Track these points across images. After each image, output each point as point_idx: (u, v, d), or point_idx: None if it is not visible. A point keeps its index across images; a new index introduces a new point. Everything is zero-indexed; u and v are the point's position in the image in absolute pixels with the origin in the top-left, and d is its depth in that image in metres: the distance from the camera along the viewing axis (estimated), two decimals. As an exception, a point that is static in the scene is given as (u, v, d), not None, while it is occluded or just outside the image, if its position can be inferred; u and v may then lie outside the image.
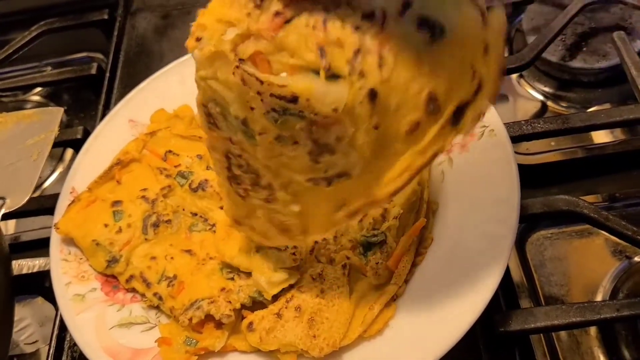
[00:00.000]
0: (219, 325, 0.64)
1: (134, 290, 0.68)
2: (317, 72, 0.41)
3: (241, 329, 0.65)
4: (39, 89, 1.18)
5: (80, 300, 0.67)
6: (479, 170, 0.68)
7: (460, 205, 0.67)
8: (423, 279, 0.65)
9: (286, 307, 0.62)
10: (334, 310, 0.62)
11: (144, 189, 0.74)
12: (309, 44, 0.40)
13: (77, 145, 0.89)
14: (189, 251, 0.70)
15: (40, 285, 0.84)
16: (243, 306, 0.65)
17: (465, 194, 0.68)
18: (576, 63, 0.92)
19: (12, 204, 0.68)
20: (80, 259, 0.70)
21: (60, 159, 1.10)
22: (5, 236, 0.98)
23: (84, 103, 1.15)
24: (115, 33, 1.07)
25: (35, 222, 1.00)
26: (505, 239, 0.61)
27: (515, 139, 0.78)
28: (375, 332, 0.61)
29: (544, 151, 0.86)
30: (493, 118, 0.71)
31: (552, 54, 0.93)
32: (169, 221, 0.72)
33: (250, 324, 0.61)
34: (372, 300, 0.63)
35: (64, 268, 0.69)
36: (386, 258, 0.65)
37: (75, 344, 0.73)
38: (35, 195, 1.02)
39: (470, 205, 0.67)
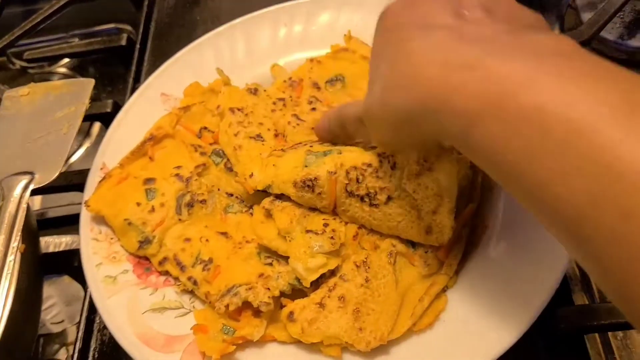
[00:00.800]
0: (257, 313, 0.60)
1: (167, 273, 0.65)
2: None
3: (280, 318, 0.61)
4: (65, 61, 1.14)
5: (112, 282, 0.64)
6: None
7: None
8: (477, 270, 0.60)
9: (329, 297, 0.58)
10: (380, 301, 0.58)
11: (178, 167, 0.70)
12: None
13: (106, 119, 0.85)
14: (224, 234, 0.66)
15: (67, 264, 0.82)
16: (282, 294, 0.61)
17: None
18: (635, 42, 0.86)
19: (41, 180, 0.65)
20: (112, 238, 0.67)
21: (87, 133, 1.07)
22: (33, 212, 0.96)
23: (112, 76, 1.12)
24: (146, 2, 1.02)
25: (62, 198, 0.98)
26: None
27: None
28: (426, 325, 0.57)
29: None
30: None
31: (609, 32, 0.87)
32: (203, 201, 0.68)
33: (291, 313, 0.57)
34: (420, 291, 0.59)
35: (95, 248, 0.66)
36: (435, 247, 0.61)
37: (104, 327, 0.70)
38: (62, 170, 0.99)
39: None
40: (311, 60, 0.76)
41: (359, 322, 0.56)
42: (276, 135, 0.71)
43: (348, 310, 0.57)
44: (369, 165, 0.60)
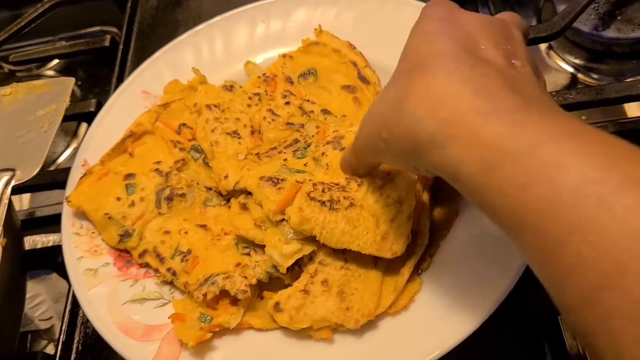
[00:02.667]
0: (235, 301, 0.61)
1: (147, 265, 0.66)
2: None
3: (257, 306, 0.63)
4: (52, 63, 1.16)
5: (93, 275, 0.65)
6: None
7: None
8: (448, 254, 0.62)
9: (312, 283, 0.59)
10: (361, 280, 0.59)
11: (158, 162, 0.71)
12: None
13: (90, 118, 0.86)
14: (203, 226, 0.67)
15: (54, 261, 0.83)
16: (260, 283, 0.62)
17: None
18: (609, 33, 0.88)
19: (22, 176, 0.66)
20: (93, 233, 0.68)
21: (75, 134, 1.09)
22: (20, 211, 0.98)
23: (98, 78, 1.13)
24: (129, 4, 1.04)
25: (49, 198, 0.99)
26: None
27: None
28: (401, 307, 0.58)
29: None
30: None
31: (584, 24, 0.89)
32: (183, 195, 0.69)
33: (277, 304, 0.58)
34: (399, 266, 0.60)
35: (76, 242, 0.67)
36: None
37: (88, 320, 0.71)
38: (49, 169, 1.00)
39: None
40: (284, 55, 0.77)
41: (345, 302, 0.58)
42: (252, 133, 0.72)
43: (333, 293, 0.59)
44: (337, 184, 0.61)
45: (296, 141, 0.70)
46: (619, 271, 0.28)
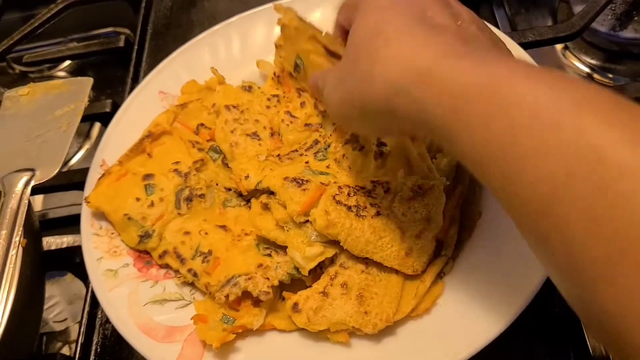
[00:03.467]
0: (257, 302, 0.61)
1: (167, 266, 0.66)
2: None
3: (279, 307, 0.62)
4: (65, 64, 1.16)
5: (113, 275, 0.65)
6: None
7: None
8: (472, 256, 0.61)
9: (331, 285, 0.59)
10: (382, 284, 0.59)
11: (176, 162, 0.71)
12: None
13: (105, 119, 0.86)
14: (223, 227, 0.67)
15: (69, 261, 0.83)
16: (281, 283, 0.62)
17: None
18: (627, 33, 0.87)
19: (42, 176, 0.66)
20: (112, 233, 0.68)
21: (87, 135, 1.08)
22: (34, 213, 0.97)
23: (111, 79, 1.13)
24: (143, 5, 1.04)
25: (62, 199, 0.99)
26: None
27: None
28: (423, 310, 0.58)
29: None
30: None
31: (601, 24, 0.89)
32: (202, 195, 0.69)
33: (295, 304, 0.58)
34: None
35: (96, 243, 0.67)
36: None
37: (107, 321, 0.71)
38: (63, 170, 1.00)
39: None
40: (276, 46, 0.74)
41: (363, 306, 0.57)
42: (272, 135, 0.72)
43: (352, 296, 0.58)
44: (362, 187, 0.61)
45: (316, 142, 0.69)
46: (568, 182, 0.31)
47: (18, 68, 1.17)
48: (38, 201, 1.01)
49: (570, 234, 0.32)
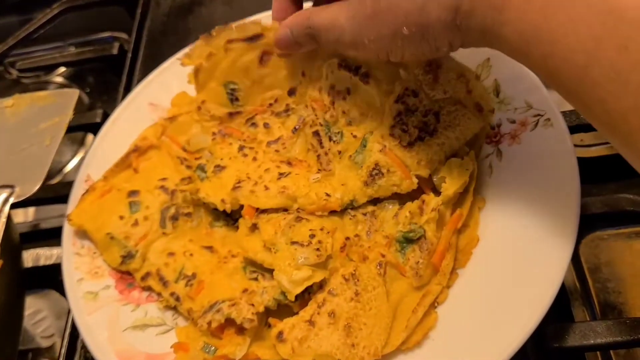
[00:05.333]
0: (241, 330, 0.58)
1: (150, 288, 0.63)
2: None
3: (265, 335, 0.59)
4: (60, 70, 1.14)
5: (93, 298, 0.62)
6: (533, 164, 0.60)
7: (512, 204, 0.60)
8: (467, 285, 0.58)
9: (318, 313, 0.56)
10: (371, 314, 0.56)
11: (163, 179, 0.68)
12: None
13: (96, 129, 0.83)
14: (209, 248, 0.64)
15: (56, 279, 0.80)
16: (268, 310, 0.59)
17: (517, 191, 0.60)
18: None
19: (22, 193, 0.64)
20: (94, 253, 0.66)
21: (82, 143, 1.06)
22: (24, 223, 0.95)
23: (108, 86, 1.11)
24: (139, 10, 1.01)
25: (54, 209, 0.97)
26: (564, 245, 0.53)
27: (571, 130, 0.70)
28: (414, 344, 0.55)
29: (601, 143, 0.78)
30: (547, 105, 0.63)
31: None
32: (189, 214, 0.66)
33: (280, 333, 0.55)
34: (413, 302, 0.56)
35: (77, 263, 0.65)
36: (427, 256, 0.58)
37: (88, 344, 0.68)
38: (55, 181, 0.98)
39: (523, 204, 0.59)
40: None
41: (351, 337, 0.54)
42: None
43: (339, 326, 0.55)
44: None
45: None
46: (596, 47, 0.36)
47: (15, 73, 1.15)
48: (30, 211, 0.99)
49: (604, 93, 0.37)
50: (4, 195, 0.63)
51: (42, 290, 0.86)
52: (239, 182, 0.64)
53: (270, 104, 0.69)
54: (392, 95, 0.63)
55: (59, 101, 0.69)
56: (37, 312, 0.85)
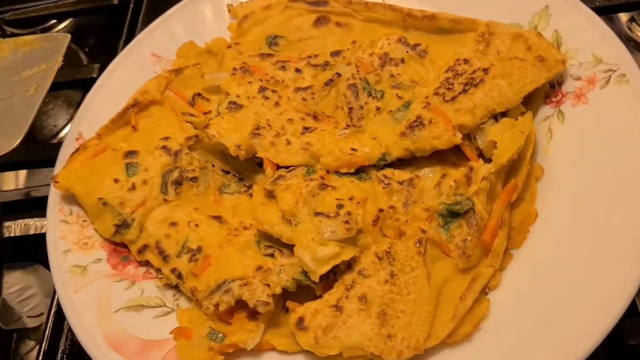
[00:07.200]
0: (253, 315, 0.50)
1: (147, 263, 0.55)
2: None
3: (281, 321, 0.52)
4: (59, 27, 1.04)
5: (81, 273, 0.54)
6: (602, 128, 0.52)
7: (575, 174, 0.52)
8: (525, 269, 0.50)
9: (347, 297, 0.48)
10: (410, 300, 0.48)
11: (165, 138, 0.60)
12: None
13: (91, 86, 0.75)
14: (218, 218, 0.56)
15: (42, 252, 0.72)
16: (285, 292, 0.50)
17: (582, 160, 0.52)
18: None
19: (1, 148, 0.54)
20: (84, 221, 0.58)
21: (78, 105, 0.97)
22: (14, 191, 0.86)
23: (108, 44, 1.00)
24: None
25: (47, 177, 0.88)
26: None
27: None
28: (463, 336, 0.46)
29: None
30: (623, 58, 0.53)
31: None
32: (194, 179, 0.58)
33: (301, 320, 0.47)
34: (459, 287, 0.49)
35: (63, 232, 0.56)
36: (476, 233, 0.50)
37: (75, 327, 0.60)
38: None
39: (590, 174, 0.51)
40: None
41: (386, 327, 0.47)
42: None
43: (372, 313, 0.48)
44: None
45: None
46: None
47: (9, 30, 1.05)
48: (21, 177, 0.90)
49: None
50: (-21, 150, 0.54)
51: (33, 265, 0.78)
52: (257, 129, 0.57)
53: (309, 56, 0.64)
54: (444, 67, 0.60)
55: (47, 46, 0.60)
56: (24, 289, 0.76)
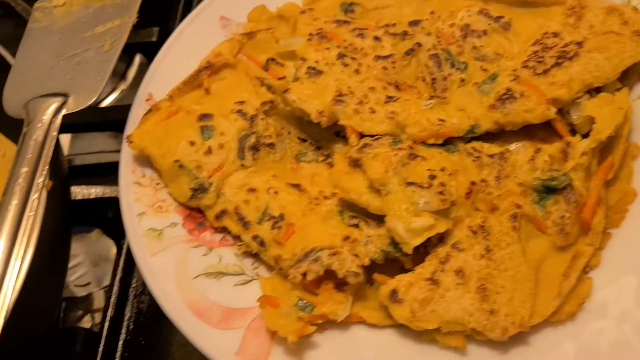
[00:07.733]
0: (340, 286, 0.48)
1: (224, 230, 0.53)
2: None
3: (367, 294, 0.49)
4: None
5: (157, 236, 0.52)
6: None
7: None
8: (625, 248, 0.48)
9: (442, 271, 0.47)
10: (509, 276, 0.47)
11: (241, 102, 0.58)
12: None
13: (150, 50, 0.73)
14: (297, 186, 0.54)
15: (98, 216, 0.69)
16: (373, 263, 0.48)
17: None
18: None
19: (76, 104, 0.53)
20: (158, 184, 0.55)
21: (123, 75, 0.94)
22: (71, 156, 0.83)
23: (162, 12, 0.98)
24: None
25: (92, 144, 0.85)
26: None
27: None
28: (568, 315, 0.45)
29: None
30: None
31: None
32: (271, 145, 0.56)
33: (394, 292, 0.46)
34: (559, 266, 0.48)
35: (137, 194, 0.54)
36: (575, 210, 0.48)
37: (143, 292, 0.58)
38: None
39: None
40: None
41: (488, 302, 0.45)
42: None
43: (470, 288, 0.46)
44: None
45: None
46: None
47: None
48: (64, 145, 0.87)
49: None
50: (55, 104, 0.52)
51: (79, 232, 0.75)
52: (340, 95, 0.54)
53: (387, 25, 0.61)
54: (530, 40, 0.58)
55: (119, 2, 0.58)
56: (72, 257, 0.74)
